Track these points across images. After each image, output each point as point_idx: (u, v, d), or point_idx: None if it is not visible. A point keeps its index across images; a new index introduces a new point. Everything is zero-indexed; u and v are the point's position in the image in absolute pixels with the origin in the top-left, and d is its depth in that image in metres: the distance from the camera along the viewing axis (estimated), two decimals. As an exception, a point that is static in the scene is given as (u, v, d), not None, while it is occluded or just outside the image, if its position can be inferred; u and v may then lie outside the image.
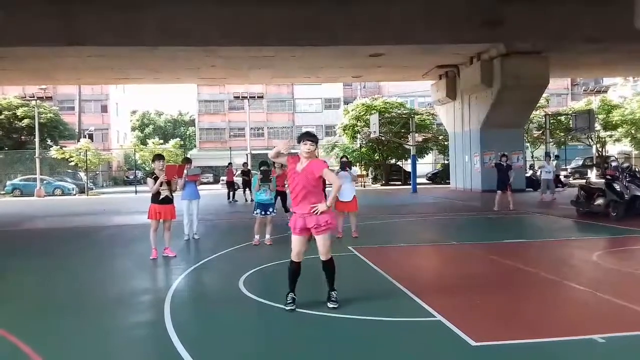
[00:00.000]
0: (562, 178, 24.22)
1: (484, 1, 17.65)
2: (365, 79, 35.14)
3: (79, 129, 46.29)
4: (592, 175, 33.50)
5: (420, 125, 34.48)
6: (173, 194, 8.60)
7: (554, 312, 5.17)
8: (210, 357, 4.28)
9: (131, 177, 43.29)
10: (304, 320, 5.07)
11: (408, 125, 29.89)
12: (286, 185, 9.99)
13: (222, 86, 50.49)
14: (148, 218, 8.53)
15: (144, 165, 42.73)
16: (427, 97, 40.15)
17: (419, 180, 28.57)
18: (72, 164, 35.79)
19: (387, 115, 34.27)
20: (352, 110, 37.96)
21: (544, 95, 29.32)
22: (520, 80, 20.10)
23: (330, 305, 5.29)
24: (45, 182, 32.92)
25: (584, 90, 46.34)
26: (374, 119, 28.67)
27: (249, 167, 22.74)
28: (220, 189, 29.45)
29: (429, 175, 39.13)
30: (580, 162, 40.22)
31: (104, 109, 53.50)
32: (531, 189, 22.67)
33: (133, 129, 68.00)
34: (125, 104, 59.18)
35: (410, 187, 27.33)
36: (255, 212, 9.56)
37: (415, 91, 45.03)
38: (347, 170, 9.92)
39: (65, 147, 36.90)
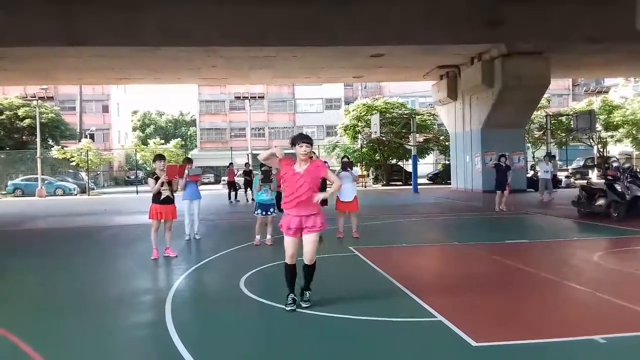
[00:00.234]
0: (561, 178, 24.30)
1: (484, 1, 17.65)
2: (366, 79, 35.13)
3: (80, 129, 46.35)
4: (593, 175, 33.45)
5: (421, 125, 34.48)
6: (174, 194, 8.60)
7: (555, 312, 5.17)
8: (211, 357, 4.28)
9: (132, 177, 43.30)
10: (304, 320, 5.07)
11: (409, 125, 29.87)
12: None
13: (223, 86, 50.54)
14: (149, 218, 8.53)
15: (145, 165, 42.75)
16: (428, 97, 40.15)
17: (419, 181, 28.56)
18: (74, 164, 35.85)
19: (388, 115, 34.25)
20: (353, 111, 37.95)
21: (545, 95, 29.26)
22: (521, 80, 20.08)
23: (304, 304, 5.32)
24: (46, 182, 32.96)
25: (585, 91, 46.28)
26: (375, 119, 28.66)
27: (251, 167, 22.72)
28: (221, 189, 29.46)
29: (430, 175, 39.11)
30: (582, 163, 40.18)
31: (105, 109, 53.53)
32: (532, 190, 22.66)
33: (134, 129, 68.07)
34: (126, 104, 59.22)
35: (411, 187, 27.33)
36: (256, 212, 9.56)
37: (416, 91, 45.02)
38: (348, 171, 9.92)
39: (67, 147, 36.94)
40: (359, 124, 36.80)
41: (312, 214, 5.21)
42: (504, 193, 15.06)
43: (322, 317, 5.10)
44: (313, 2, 17.01)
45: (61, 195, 31.60)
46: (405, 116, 34.30)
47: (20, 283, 7.38)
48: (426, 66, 24.34)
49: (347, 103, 47.16)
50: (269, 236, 9.62)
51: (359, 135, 37.10)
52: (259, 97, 42.43)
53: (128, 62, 21.27)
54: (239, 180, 23.54)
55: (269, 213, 9.47)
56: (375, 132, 28.52)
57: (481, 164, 23.31)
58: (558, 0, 17.44)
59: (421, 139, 34.12)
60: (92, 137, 44.07)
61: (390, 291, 6.04)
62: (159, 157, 8.67)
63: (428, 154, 39.44)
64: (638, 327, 4.60)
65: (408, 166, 35.97)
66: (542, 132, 34.22)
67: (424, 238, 10.73)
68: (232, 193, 22.24)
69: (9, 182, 34.56)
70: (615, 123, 38.26)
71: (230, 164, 24.66)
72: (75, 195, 32.14)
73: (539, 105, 28.79)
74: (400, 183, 35.63)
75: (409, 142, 30.09)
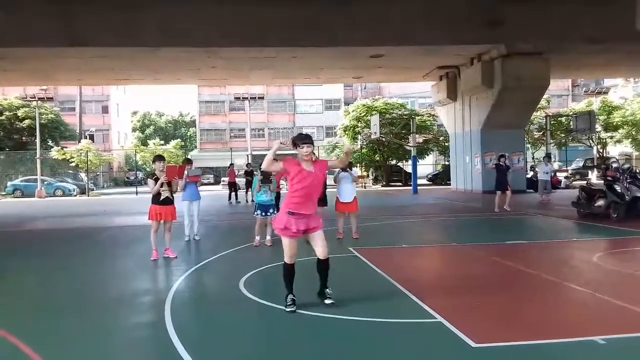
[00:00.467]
0: (561, 179, 24.31)
1: (484, 1, 17.65)
2: (366, 79, 35.15)
3: (79, 130, 46.35)
4: (593, 176, 33.45)
5: (421, 126, 34.49)
6: (174, 195, 8.60)
7: (555, 313, 5.16)
8: (211, 358, 4.27)
9: (132, 178, 43.31)
10: (304, 321, 5.06)
11: (409, 126, 29.87)
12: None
13: (222, 87, 50.51)
14: (149, 219, 8.53)
15: (144, 166, 42.75)
16: (427, 98, 40.12)
17: (419, 181, 28.57)
18: (73, 164, 35.86)
19: (387, 116, 34.25)
20: (353, 111, 37.97)
21: (545, 96, 29.28)
22: (521, 81, 20.08)
23: (328, 302, 5.32)
24: (46, 183, 32.95)
25: (584, 92, 46.30)
26: (375, 120, 28.65)
27: (252, 168, 22.71)
28: (221, 190, 29.45)
29: (430, 176, 39.13)
30: (581, 163, 40.19)
31: (105, 109, 53.52)
32: (532, 190, 22.66)
33: (134, 130, 68.06)
34: (126, 105, 59.19)
35: (410, 188, 27.33)
36: (255, 213, 9.55)
37: (416, 92, 45.02)
38: (347, 171, 9.91)
39: (66, 147, 36.96)
40: (359, 124, 36.84)
41: (314, 214, 5.33)
42: (507, 193, 15.06)
43: (322, 318, 5.10)
44: (313, 2, 17.01)
45: (61, 196, 31.59)
46: (405, 117, 34.31)
47: (20, 283, 7.38)
48: (426, 67, 24.34)
49: (347, 104, 47.19)
50: (268, 237, 9.62)
51: (359, 136, 37.13)
52: (258, 97, 42.47)
53: (128, 62, 21.26)
54: (240, 180, 23.51)
55: (268, 214, 9.45)
56: (375, 132, 28.52)
57: (481, 165, 23.32)
58: (558, 0, 17.45)
59: (421, 140, 34.12)
60: (91, 137, 44.05)
61: (390, 292, 6.03)
62: (159, 157, 8.68)
63: (428, 155, 39.48)
64: (638, 328, 4.60)
65: (408, 167, 36.00)
66: (541, 133, 34.20)
67: (423, 239, 10.72)
68: (233, 194, 22.24)
69: (9, 183, 34.56)
70: (614, 124, 38.30)
71: (231, 164, 24.66)
72: (75, 196, 32.14)
73: (539, 105, 28.82)
74: (399, 184, 35.64)
75: (408, 142, 30.09)
